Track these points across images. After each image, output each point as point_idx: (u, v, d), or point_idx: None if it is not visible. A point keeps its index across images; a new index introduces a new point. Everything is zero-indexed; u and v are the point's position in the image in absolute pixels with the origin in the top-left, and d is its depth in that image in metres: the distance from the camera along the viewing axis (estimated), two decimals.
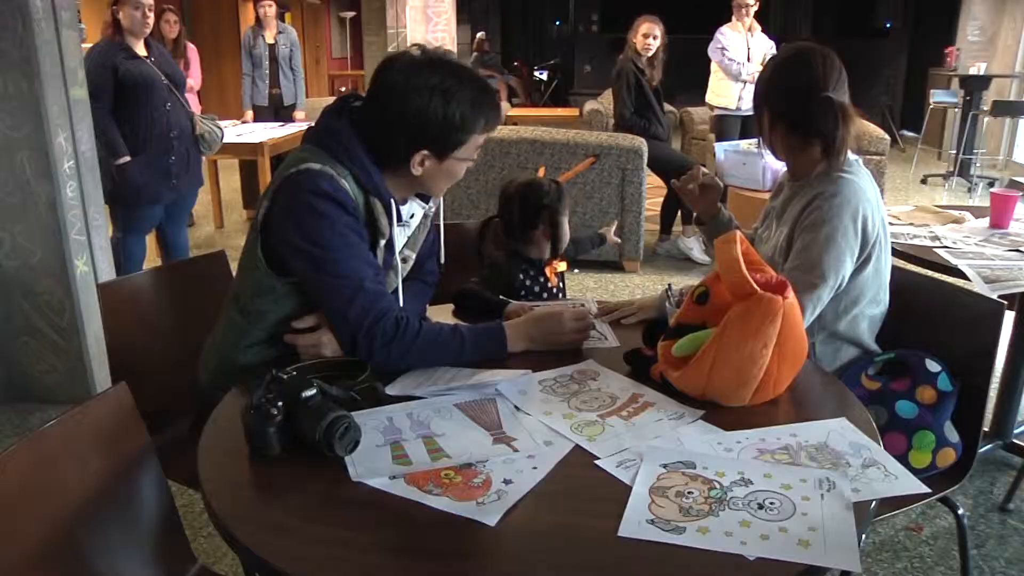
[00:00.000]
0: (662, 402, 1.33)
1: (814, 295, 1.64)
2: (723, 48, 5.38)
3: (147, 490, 1.34)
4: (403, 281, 1.63)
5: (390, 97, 1.46)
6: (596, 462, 1.14)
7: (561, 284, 1.99)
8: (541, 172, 3.40)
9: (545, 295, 1.92)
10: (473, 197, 4.78)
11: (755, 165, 4.45)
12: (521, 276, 1.92)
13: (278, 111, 6.30)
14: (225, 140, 5.06)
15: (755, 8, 5.35)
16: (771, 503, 1.03)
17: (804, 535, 0.97)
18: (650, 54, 4.95)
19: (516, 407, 1.30)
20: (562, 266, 1.98)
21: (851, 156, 1.76)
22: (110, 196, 3.37)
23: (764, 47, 5.36)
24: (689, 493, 1.06)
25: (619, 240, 2.40)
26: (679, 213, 5.13)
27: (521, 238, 1.96)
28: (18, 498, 1.11)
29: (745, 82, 5.31)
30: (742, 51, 5.36)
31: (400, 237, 1.62)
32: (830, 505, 1.03)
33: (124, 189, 3.53)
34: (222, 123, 5.88)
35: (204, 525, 2.26)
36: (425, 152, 1.47)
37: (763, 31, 5.48)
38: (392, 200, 1.52)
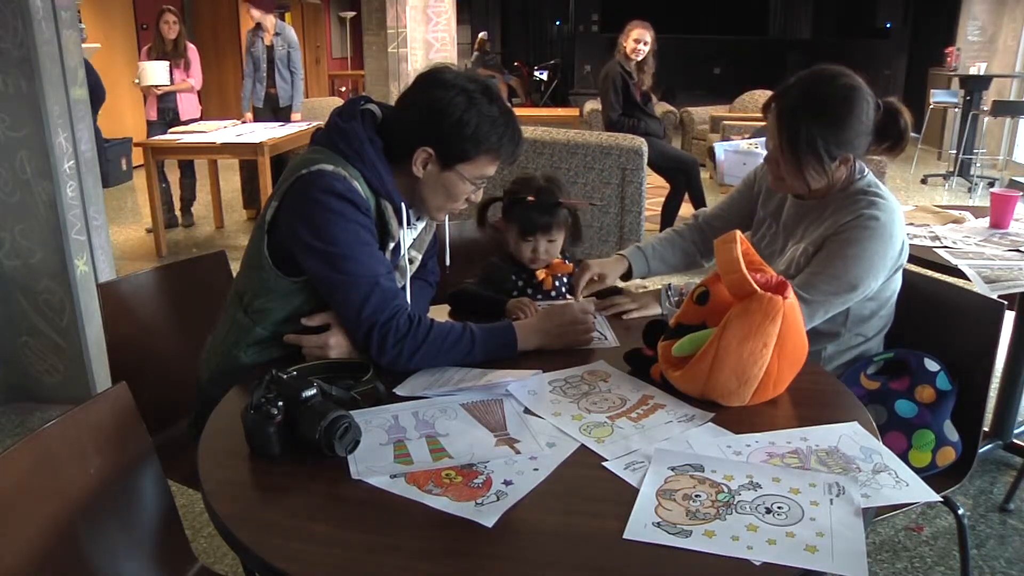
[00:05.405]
0: (672, 404, 1.32)
1: (827, 300, 1.64)
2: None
3: (147, 490, 1.34)
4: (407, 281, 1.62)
5: (421, 83, 1.49)
6: (604, 464, 1.14)
7: (563, 288, 1.95)
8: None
9: (540, 296, 1.90)
10: None
11: (755, 165, 4.44)
12: (513, 277, 1.90)
13: (275, 112, 6.24)
14: (225, 140, 5.08)
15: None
16: (779, 507, 1.03)
17: (811, 540, 0.96)
18: (639, 59, 4.95)
19: (526, 408, 1.30)
20: (567, 267, 1.94)
21: (860, 165, 1.72)
22: None
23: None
24: (696, 496, 1.05)
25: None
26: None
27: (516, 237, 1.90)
28: (18, 498, 1.11)
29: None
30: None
31: (407, 238, 1.62)
32: (839, 511, 1.02)
33: None
34: (223, 123, 5.88)
35: (204, 525, 2.26)
36: (430, 150, 1.47)
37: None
38: (402, 203, 1.52)
